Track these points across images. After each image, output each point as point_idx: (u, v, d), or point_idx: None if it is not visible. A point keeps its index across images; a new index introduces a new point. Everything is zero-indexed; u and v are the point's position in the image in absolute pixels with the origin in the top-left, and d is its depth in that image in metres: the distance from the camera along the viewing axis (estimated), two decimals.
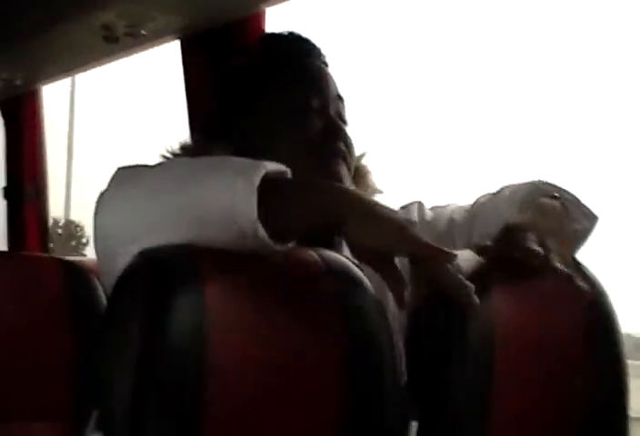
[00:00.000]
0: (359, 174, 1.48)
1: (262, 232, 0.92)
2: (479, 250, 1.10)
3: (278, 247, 0.95)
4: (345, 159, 1.37)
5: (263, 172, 0.93)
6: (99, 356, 0.95)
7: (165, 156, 1.40)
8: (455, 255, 0.95)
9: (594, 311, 1.19)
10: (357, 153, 1.47)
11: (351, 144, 1.40)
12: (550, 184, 1.27)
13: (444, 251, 0.95)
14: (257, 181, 0.92)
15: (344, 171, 1.36)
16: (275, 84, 1.40)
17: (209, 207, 0.93)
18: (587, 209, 1.26)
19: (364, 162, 1.51)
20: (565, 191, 1.27)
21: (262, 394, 0.92)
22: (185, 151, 1.39)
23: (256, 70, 1.45)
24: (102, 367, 0.94)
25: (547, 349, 1.14)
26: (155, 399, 0.87)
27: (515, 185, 1.33)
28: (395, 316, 1.37)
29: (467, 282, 0.96)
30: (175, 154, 1.39)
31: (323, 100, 1.39)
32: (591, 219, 1.25)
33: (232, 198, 0.91)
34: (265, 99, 1.40)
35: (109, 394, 0.91)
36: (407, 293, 0.95)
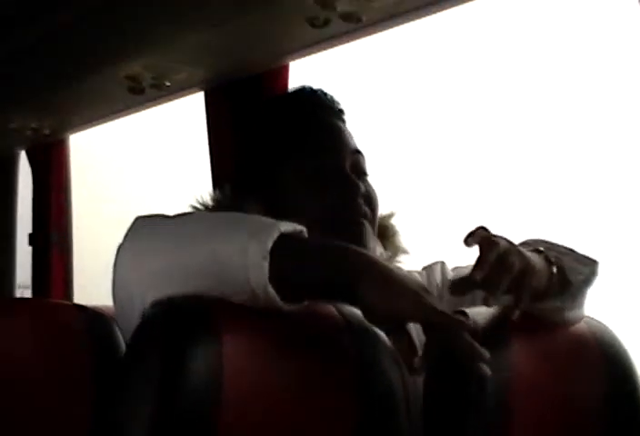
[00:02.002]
0: (387, 235, 1.48)
1: (274, 295, 0.93)
2: (450, 286, 1.09)
3: (290, 307, 0.96)
4: (366, 217, 1.36)
5: (276, 234, 0.94)
6: (116, 404, 0.95)
7: (194, 207, 1.41)
8: (469, 325, 0.94)
9: (612, 366, 1.18)
10: (386, 211, 1.48)
11: (372, 197, 1.40)
12: (542, 241, 1.27)
13: (458, 320, 0.94)
14: (270, 244, 0.93)
15: (366, 230, 1.35)
16: (291, 149, 1.41)
17: (222, 266, 0.94)
18: (584, 257, 1.25)
19: (391, 222, 1.51)
20: (558, 245, 1.26)
21: None
22: (218, 205, 1.40)
23: (274, 131, 1.45)
24: (118, 416, 0.94)
25: (565, 408, 1.13)
26: None
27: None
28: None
29: (482, 350, 0.94)
30: (205, 206, 1.41)
31: (339, 161, 1.39)
32: (591, 266, 1.25)
33: (244, 260, 0.92)
34: (283, 163, 1.40)
35: None
36: (418, 360, 0.93)
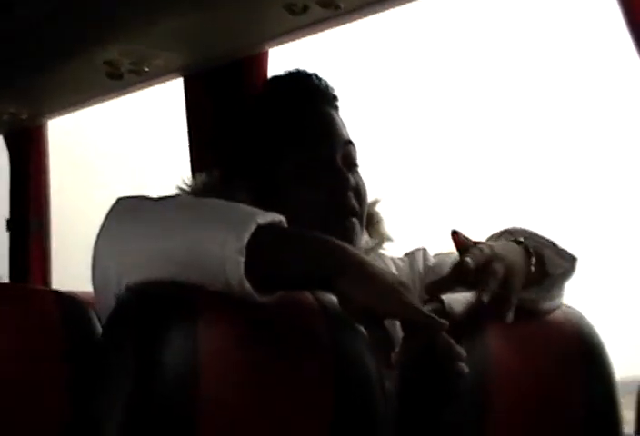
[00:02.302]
0: (372, 222, 1.48)
1: (249, 288, 0.93)
2: (427, 288, 1.11)
3: (266, 299, 0.96)
4: (354, 213, 1.36)
5: (254, 227, 0.94)
6: (91, 390, 0.95)
7: (181, 189, 1.42)
8: (446, 325, 0.94)
9: (588, 352, 1.19)
10: (371, 198, 1.47)
11: (362, 190, 1.40)
12: (523, 230, 1.27)
13: (435, 319, 0.94)
14: (247, 238, 0.93)
15: (354, 226, 1.35)
16: (282, 138, 1.40)
17: (198, 256, 0.94)
18: (565, 252, 1.26)
19: (376, 208, 1.51)
20: (540, 236, 1.27)
21: (252, 431, 0.92)
22: (206, 190, 1.40)
23: (265, 120, 1.45)
24: (93, 402, 0.94)
25: (542, 394, 1.14)
26: (146, 434, 0.87)
27: (496, 233, 1.33)
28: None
29: (459, 349, 0.95)
30: (193, 191, 1.41)
31: (330, 152, 1.38)
32: (570, 261, 1.25)
33: (221, 253, 0.92)
34: (274, 151, 1.40)
35: (100, 429, 0.91)
36: (394, 355, 0.93)
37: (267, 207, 1.00)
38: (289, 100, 1.44)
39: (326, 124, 1.42)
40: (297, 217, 1.02)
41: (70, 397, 1.50)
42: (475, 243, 1.12)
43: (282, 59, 1.93)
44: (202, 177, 1.44)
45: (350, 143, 1.42)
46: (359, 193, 1.39)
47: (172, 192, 1.43)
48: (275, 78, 1.53)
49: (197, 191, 1.41)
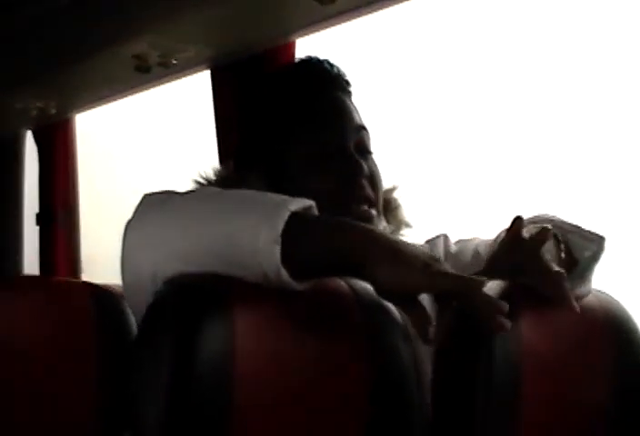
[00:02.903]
0: (390, 208, 1.47)
1: (286, 276, 0.93)
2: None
3: (303, 286, 0.96)
4: (368, 200, 1.35)
5: (287, 215, 0.94)
6: (130, 381, 0.96)
7: (197, 182, 1.41)
8: (486, 280, 0.94)
9: (622, 338, 1.19)
10: (388, 185, 1.47)
11: (376, 178, 1.39)
12: (547, 218, 1.27)
13: (473, 279, 0.94)
14: (281, 226, 0.93)
15: (369, 214, 1.34)
16: (294, 124, 1.39)
17: (233, 248, 0.94)
18: (591, 233, 1.25)
19: (394, 195, 1.50)
20: (564, 222, 1.26)
21: (288, 423, 0.93)
22: (221, 180, 1.40)
23: (277, 106, 1.44)
24: (132, 392, 0.95)
25: (575, 382, 1.14)
26: (185, 424, 0.88)
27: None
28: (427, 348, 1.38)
29: (501, 302, 0.94)
30: (208, 182, 1.40)
31: (343, 139, 1.37)
32: (598, 242, 1.25)
33: (256, 243, 0.92)
34: (286, 138, 1.39)
35: (140, 419, 0.92)
36: (432, 329, 0.93)
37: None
38: (300, 86, 1.43)
39: (338, 110, 1.40)
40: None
41: (104, 389, 1.52)
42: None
43: (309, 50, 1.93)
44: (218, 169, 1.44)
45: (363, 128, 1.41)
46: (373, 180, 1.38)
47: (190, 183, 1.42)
48: (287, 67, 1.53)
49: (212, 182, 1.41)
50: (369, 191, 1.36)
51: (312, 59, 1.47)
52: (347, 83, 1.46)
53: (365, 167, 1.36)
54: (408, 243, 0.97)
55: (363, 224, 0.97)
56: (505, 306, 0.94)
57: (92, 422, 1.55)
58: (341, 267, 0.97)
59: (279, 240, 0.92)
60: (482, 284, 0.93)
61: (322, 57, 1.47)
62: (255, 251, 0.92)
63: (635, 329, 1.20)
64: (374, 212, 1.36)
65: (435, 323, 0.94)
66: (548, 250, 1.15)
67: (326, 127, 1.38)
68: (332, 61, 1.47)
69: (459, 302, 0.95)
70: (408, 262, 0.93)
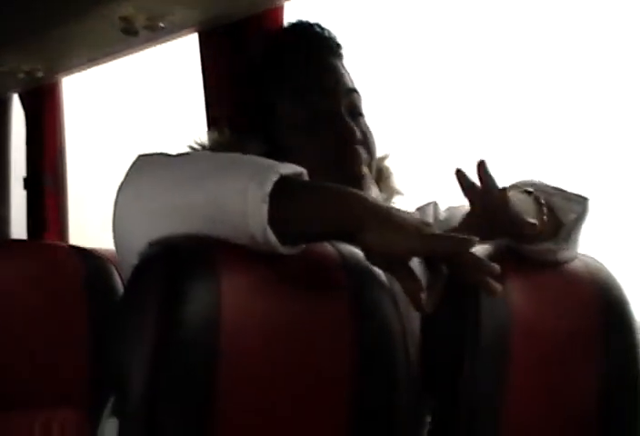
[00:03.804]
0: (382, 176, 1.48)
1: (273, 238, 0.93)
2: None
3: (290, 251, 0.96)
4: (360, 162, 1.35)
5: (276, 177, 0.93)
6: (115, 343, 0.96)
7: (192, 147, 1.41)
8: (477, 239, 0.93)
9: (608, 301, 1.20)
10: (381, 153, 1.46)
11: (368, 139, 1.39)
12: (529, 182, 1.27)
13: (463, 238, 0.93)
14: (269, 187, 0.92)
15: (364, 176, 1.34)
16: (285, 88, 1.39)
17: (221, 208, 0.94)
18: (575, 195, 1.25)
19: (386, 163, 1.50)
20: (546, 185, 1.26)
21: (273, 383, 0.93)
22: (216, 145, 1.39)
23: (269, 70, 1.44)
24: (117, 354, 0.95)
25: (563, 344, 1.15)
26: (169, 385, 0.88)
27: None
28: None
29: (492, 265, 0.93)
30: (203, 147, 1.40)
31: (335, 102, 1.37)
32: (582, 203, 1.24)
33: (244, 203, 0.92)
34: (278, 102, 1.39)
35: (125, 380, 0.92)
36: (424, 295, 0.92)
37: (277, 160, 0.99)
38: (290, 50, 1.43)
39: (328, 73, 1.40)
40: (307, 169, 1.02)
41: (94, 349, 1.52)
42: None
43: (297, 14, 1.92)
44: (213, 134, 1.44)
45: (354, 91, 1.40)
46: (366, 142, 1.38)
47: (185, 149, 1.43)
48: (277, 30, 1.52)
49: (208, 148, 1.40)
50: (363, 153, 1.36)
51: (302, 23, 1.46)
52: (338, 45, 1.45)
53: (358, 130, 1.36)
54: (398, 209, 0.96)
55: (354, 190, 0.97)
56: (497, 268, 0.93)
57: (82, 385, 1.56)
58: (330, 232, 0.96)
59: (267, 199, 0.92)
60: (472, 244, 0.92)
61: (312, 21, 1.46)
62: (243, 210, 0.92)
63: (621, 292, 1.21)
64: (365, 171, 1.36)
65: (425, 289, 0.93)
66: (528, 212, 1.15)
67: (317, 89, 1.38)
68: (322, 24, 1.46)
69: (450, 264, 0.95)
70: (399, 227, 0.92)
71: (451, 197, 1.46)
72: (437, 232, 0.95)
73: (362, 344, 0.98)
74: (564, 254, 1.20)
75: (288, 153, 1.33)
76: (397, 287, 1.33)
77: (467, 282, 0.94)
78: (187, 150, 1.40)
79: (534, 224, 1.13)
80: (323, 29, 1.45)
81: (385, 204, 0.97)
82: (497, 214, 1.13)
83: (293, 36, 1.45)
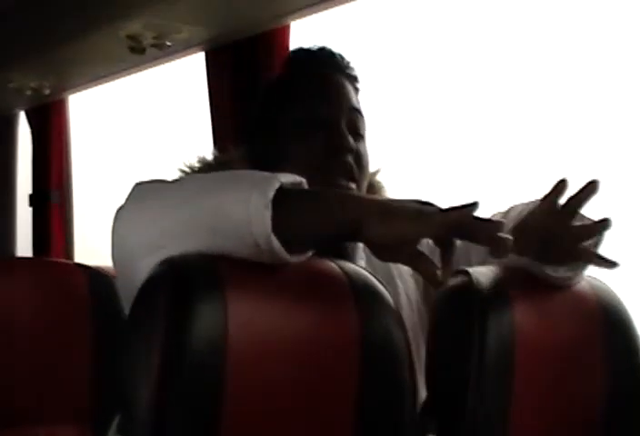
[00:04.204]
0: (373, 190, 1.47)
1: (277, 245, 0.92)
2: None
3: (295, 259, 0.96)
4: (350, 175, 1.33)
5: (277, 184, 0.93)
6: (122, 362, 0.96)
7: (182, 170, 1.40)
8: (474, 209, 0.92)
9: (613, 324, 1.19)
10: (373, 168, 1.44)
11: (363, 159, 1.37)
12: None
13: (463, 209, 0.92)
14: (272, 194, 0.92)
15: (348, 186, 1.32)
16: (285, 100, 1.39)
17: (224, 219, 0.94)
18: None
19: (378, 178, 1.49)
20: None
21: (279, 402, 0.93)
22: (204, 165, 1.39)
23: (270, 86, 1.44)
24: (124, 372, 0.95)
25: (567, 360, 1.15)
26: (177, 406, 0.88)
27: (522, 204, 1.32)
28: (417, 327, 1.38)
29: (498, 221, 0.92)
30: (192, 169, 1.40)
31: (333, 112, 1.36)
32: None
33: (246, 211, 0.92)
34: (274, 114, 1.39)
35: (132, 400, 0.92)
36: (440, 273, 0.93)
37: (275, 171, 0.99)
38: (298, 68, 1.43)
39: (330, 86, 1.39)
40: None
41: (97, 366, 1.52)
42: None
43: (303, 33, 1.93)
44: (200, 156, 1.42)
45: (358, 111, 1.39)
46: (359, 159, 1.35)
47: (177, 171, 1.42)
48: (293, 50, 1.53)
49: (196, 170, 1.39)
50: (354, 167, 1.34)
51: (316, 46, 1.46)
52: (348, 66, 1.44)
53: (353, 144, 1.34)
54: (394, 199, 0.96)
55: (351, 192, 0.97)
56: (502, 223, 0.92)
57: (84, 401, 1.56)
58: (333, 233, 0.96)
59: (269, 206, 0.91)
60: (471, 213, 0.92)
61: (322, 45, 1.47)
62: (247, 218, 0.92)
63: (626, 313, 1.21)
64: (353, 186, 1.33)
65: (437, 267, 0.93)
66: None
67: (318, 98, 1.37)
68: (333, 49, 1.45)
69: (458, 236, 0.94)
70: (400, 214, 0.92)
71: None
72: (436, 210, 0.94)
73: (368, 363, 0.98)
74: (574, 280, 1.20)
75: (280, 161, 1.33)
76: (401, 300, 1.34)
77: (479, 244, 0.94)
78: (178, 173, 1.39)
79: (594, 254, 1.14)
80: (335, 52, 1.44)
81: (382, 198, 0.97)
82: (557, 230, 1.15)
83: (303, 55, 1.45)
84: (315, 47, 1.45)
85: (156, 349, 0.89)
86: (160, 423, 0.88)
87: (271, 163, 1.28)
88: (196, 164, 1.40)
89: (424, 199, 0.97)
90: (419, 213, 0.93)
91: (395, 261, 0.98)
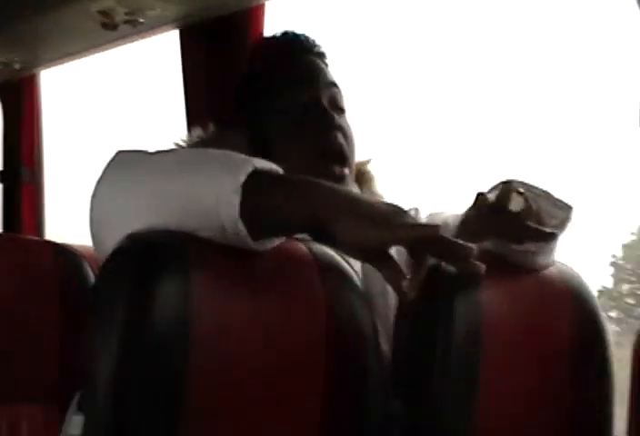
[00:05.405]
0: (364, 180, 1.49)
1: (243, 230, 0.92)
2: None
3: (260, 246, 0.95)
4: (341, 156, 1.37)
5: (250, 169, 0.93)
6: (84, 339, 0.96)
7: (177, 144, 1.43)
8: (439, 227, 0.92)
9: (579, 308, 1.20)
10: (363, 158, 1.49)
11: (347, 132, 1.40)
12: (519, 182, 1.27)
13: (431, 225, 0.93)
14: (243, 178, 0.92)
15: (343, 175, 1.36)
16: (271, 82, 1.43)
17: (194, 199, 0.93)
18: (560, 201, 1.25)
19: (368, 167, 1.52)
20: (534, 187, 1.27)
21: (244, 380, 0.93)
22: (203, 142, 1.42)
23: (250, 74, 1.49)
24: (87, 350, 0.94)
25: (534, 344, 1.15)
26: (138, 381, 0.88)
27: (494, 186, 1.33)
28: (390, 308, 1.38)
29: (469, 245, 0.93)
30: (189, 145, 1.42)
31: (315, 90, 1.40)
32: (566, 210, 1.25)
33: (216, 193, 0.91)
34: (263, 95, 1.42)
35: (94, 374, 0.90)
36: (406, 283, 0.92)
37: (262, 157, 0.99)
38: (273, 52, 1.48)
39: (308, 69, 1.44)
40: (287, 164, 1.01)
41: (64, 346, 1.52)
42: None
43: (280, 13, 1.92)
44: (197, 131, 1.46)
45: (334, 85, 1.44)
46: (346, 134, 1.39)
47: (167, 145, 1.44)
48: (263, 37, 1.57)
49: (193, 145, 1.42)
50: (343, 143, 1.38)
51: (288, 32, 1.51)
52: (316, 45, 1.49)
53: (337, 119, 1.38)
54: (371, 199, 0.96)
55: (327, 183, 0.96)
56: (474, 249, 0.93)
57: (52, 381, 1.55)
58: (302, 224, 0.95)
59: (239, 190, 0.91)
60: (438, 229, 0.91)
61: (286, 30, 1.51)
62: (215, 200, 0.91)
63: (592, 300, 1.22)
64: (346, 171, 1.37)
65: (408, 277, 0.93)
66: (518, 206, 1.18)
67: (299, 81, 1.41)
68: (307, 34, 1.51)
69: (430, 251, 0.94)
70: (368, 218, 0.91)
71: (433, 202, 1.46)
72: (409, 220, 0.94)
73: (334, 347, 0.97)
74: (540, 259, 1.21)
75: (270, 148, 1.36)
76: (374, 286, 1.34)
77: (452, 265, 0.97)
78: (172, 147, 1.42)
79: (538, 229, 1.16)
80: (308, 38, 1.49)
81: (357, 194, 0.96)
82: (497, 219, 1.17)
83: (275, 40, 1.51)
84: (279, 33, 1.51)
85: (118, 326, 0.89)
86: (120, 401, 0.87)
87: (264, 149, 1.31)
88: (194, 139, 1.43)
89: (396, 203, 0.96)
90: (387, 221, 0.92)
91: (364, 261, 0.98)
